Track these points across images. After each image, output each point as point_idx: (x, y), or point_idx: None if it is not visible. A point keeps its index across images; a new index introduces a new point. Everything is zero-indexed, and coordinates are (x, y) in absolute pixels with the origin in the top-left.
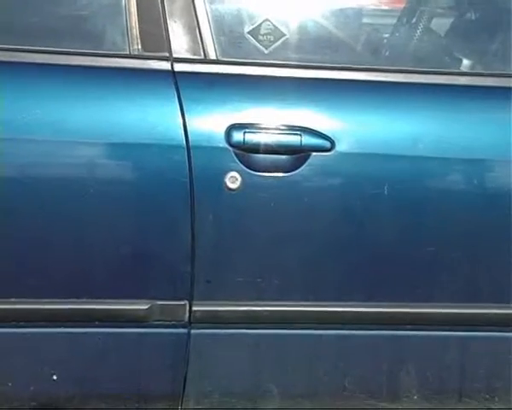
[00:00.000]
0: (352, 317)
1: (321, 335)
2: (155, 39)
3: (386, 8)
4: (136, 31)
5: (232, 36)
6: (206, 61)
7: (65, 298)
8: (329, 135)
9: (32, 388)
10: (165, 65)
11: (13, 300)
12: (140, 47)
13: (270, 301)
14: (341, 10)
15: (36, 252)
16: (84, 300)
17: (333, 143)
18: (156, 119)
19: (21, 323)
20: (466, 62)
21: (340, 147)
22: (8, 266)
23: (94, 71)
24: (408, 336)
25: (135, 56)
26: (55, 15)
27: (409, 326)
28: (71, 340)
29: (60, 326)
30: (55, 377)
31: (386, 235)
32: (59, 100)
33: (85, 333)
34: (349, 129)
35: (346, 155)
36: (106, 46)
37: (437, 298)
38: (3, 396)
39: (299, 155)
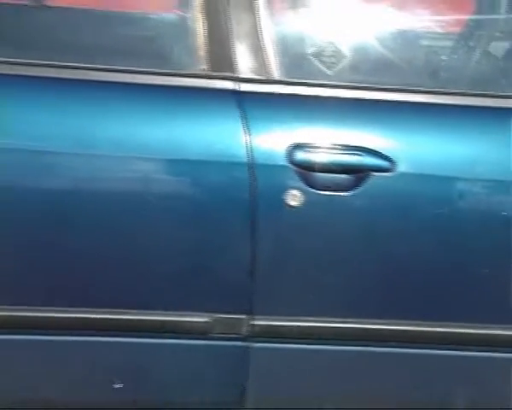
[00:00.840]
0: (411, 335)
1: (379, 352)
2: (221, 59)
3: (444, 31)
4: (202, 51)
5: (295, 57)
6: (270, 81)
7: (129, 309)
8: (389, 155)
9: (91, 396)
10: (231, 85)
11: (83, 309)
12: (206, 67)
13: (328, 317)
14: (400, 33)
15: (102, 265)
16: (147, 311)
17: (393, 163)
18: (220, 137)
19: (91, 331)
20: None
21: (400, 167)
22: (76, 279)
23: (161, 89)
24: (458, 356)
25: (201, 76)
26: (123, 35)
27: (469, 346)
28: (134, 350)
29: (124, 336)
30: (115, 386)
31: (445, 256)
32: (125, 117)
33: (149, 344)
34: (409, 150)
35: (405, 176)
36: (173, 65)
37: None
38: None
39: (358, 174)
